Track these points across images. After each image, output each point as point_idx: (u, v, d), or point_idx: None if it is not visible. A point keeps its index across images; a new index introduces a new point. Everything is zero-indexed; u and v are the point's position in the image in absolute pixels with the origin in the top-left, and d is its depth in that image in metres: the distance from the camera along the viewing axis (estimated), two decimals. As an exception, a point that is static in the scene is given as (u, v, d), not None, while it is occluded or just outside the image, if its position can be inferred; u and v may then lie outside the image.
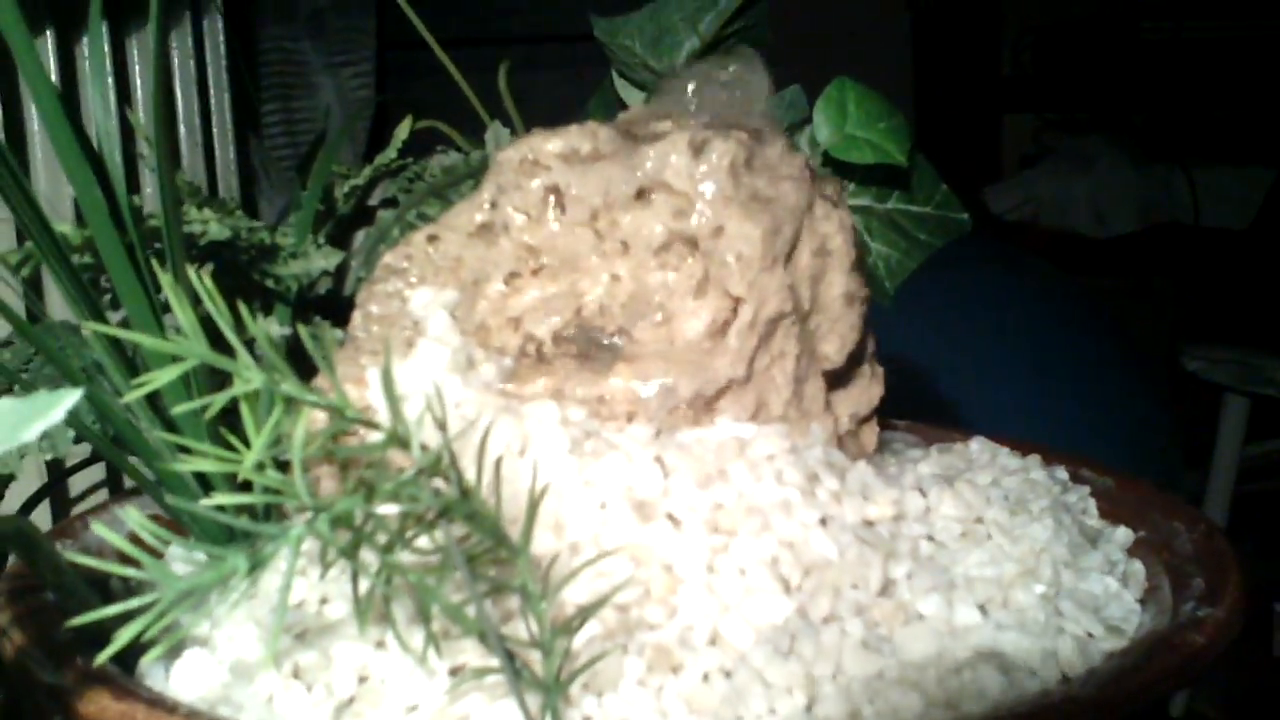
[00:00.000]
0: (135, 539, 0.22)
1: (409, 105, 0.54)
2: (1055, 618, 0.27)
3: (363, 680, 0.26)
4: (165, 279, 0.23)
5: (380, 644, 0.26)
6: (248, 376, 0.23)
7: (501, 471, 0.28)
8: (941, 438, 0.44)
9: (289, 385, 0.23)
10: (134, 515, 0.21)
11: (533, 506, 0.23)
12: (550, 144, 0.34)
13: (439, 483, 0.23)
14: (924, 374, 1.54)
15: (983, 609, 0.27)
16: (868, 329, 0.37)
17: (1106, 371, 1.59)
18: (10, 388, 0.37)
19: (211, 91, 0.94)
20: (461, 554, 0.23)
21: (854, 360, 0.36)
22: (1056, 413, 1.57)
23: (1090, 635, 0.26)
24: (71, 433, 0.32)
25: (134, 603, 0.21)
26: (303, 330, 0.24)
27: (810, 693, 0.24)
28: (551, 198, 0.33)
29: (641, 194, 0.33)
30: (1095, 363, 1.59)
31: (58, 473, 0.58)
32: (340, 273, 0.44)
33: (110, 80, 0.29)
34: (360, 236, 0.45)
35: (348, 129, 0.46)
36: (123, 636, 0.21)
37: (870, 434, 0.38)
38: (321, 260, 0.36)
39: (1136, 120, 2.14)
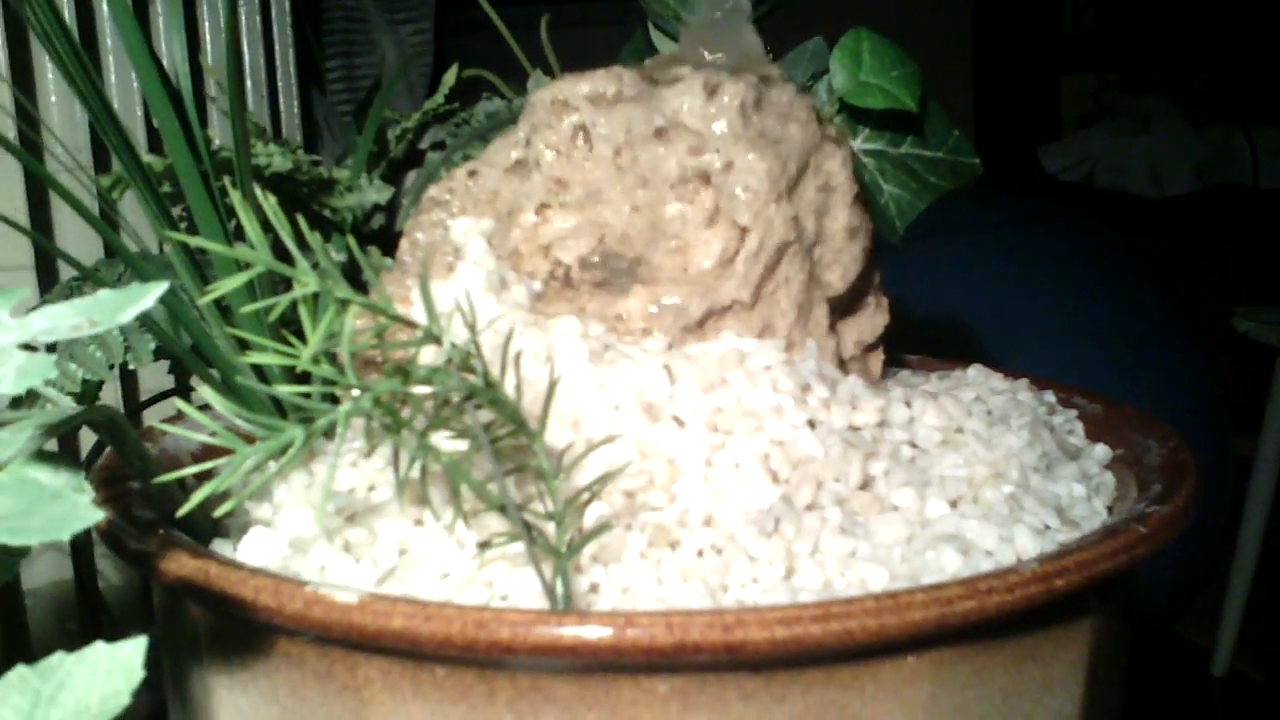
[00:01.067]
0: (211, 417, 0.26)
1: (465, 58, 0.57)
2: (1018, 511, 0.30)
3: (402, 553, 0.29)
4: (236, 197, 0.27)
5: (418, 522, 0.30)
6: (305, 281, 0.27)
7: (525, 374, 0.31)
8: (950, 366, 0.47)
9: (341, 289, 0.27)
10: (211, 394, 0.25)
11: (549, 394, 0.27)
12: (579, 86, 0.37)
13: (468, 376, 0.27)
14: (971, 332, 1.56)
15: (953, 504, 0.30)
16: (873, 262, 0.40)
17: (1156, 333, 1.60)
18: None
19: (277, 48, 0.98)
20: (486, 435, 0.27)
21: (860, 290, 0.40)
22: (1105, 374, 1.58)
23: (1047, 527, 0.30)
24: (153, 344, 0.37)
25: (208, 465, 0.25)
26: (353, 244, 0.28)
27: (789, 565, 0.27)
28: (579, 135, 0.37)
29: (660, 132, 0.36)
30: (1145, 324, 1.60)
31: (132, 406, 0.62)
32: (392, 209, 0.48)
33: (183, 30, 0.32)
34: (411, 177, 0.49)
35: (400, 75, 0.50)
36: (198, 494, 0.25)
37: (876, 360, 0.41)
38: (374, 194, 0.39)
39: (1197, 80, 2.12)
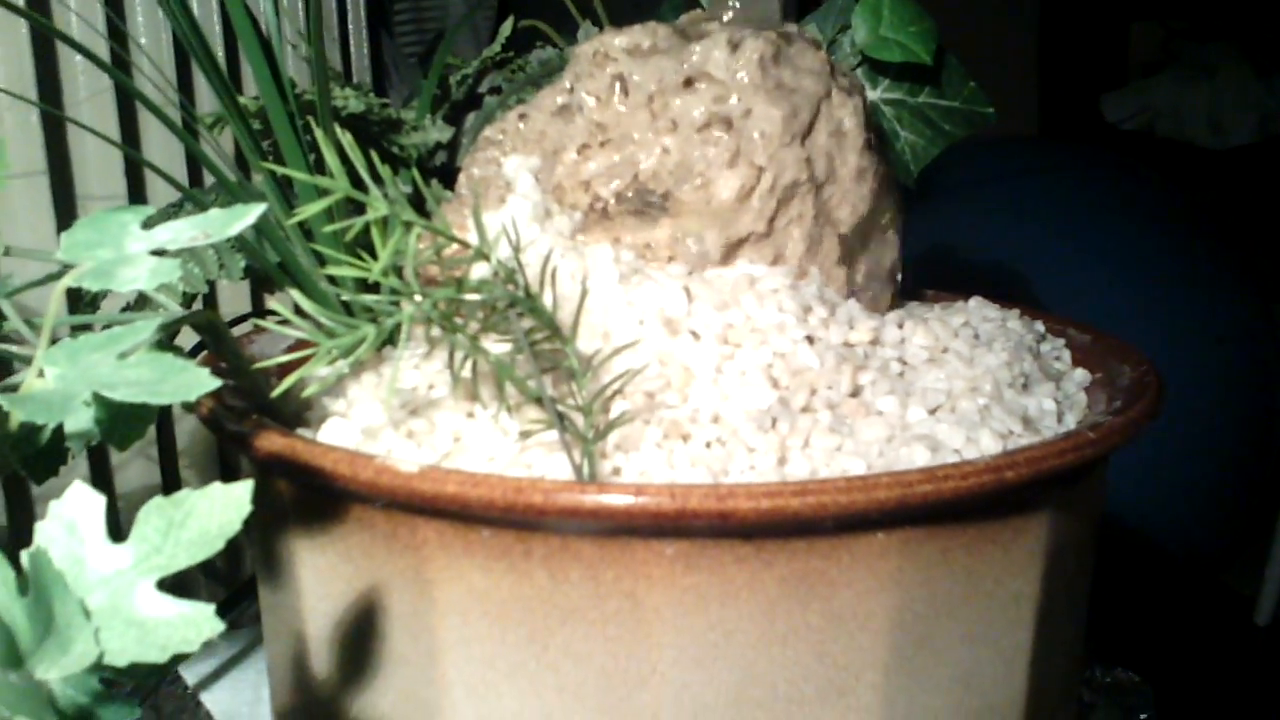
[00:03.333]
0: (299, 312, 0.31)
1: (524, 7, 0.62)
2: (987, 419, 0.34)
3: (456, 440, 0.35)
4: (319, 133, 0.32)
5: (470, 415, 0.35)
6: (377, 206, 0.32)
7: (562, 291, 0.36)
8: (954, 301, 0.51)
9: (406, 213, 0.32)
10: (297, 296, 0.30)
11: (580, 305, 0.32)
12: (618, 39, 0.42)
13: (511, 288, 0.32)
14: (1024, 278, 1.59)
15: (931, 411, 0.35)
16: (886, 201, 0.44)
17: (1210, 283, 1.61)
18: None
19: (348, -7, 1.02)
20: (525, 339, 0.31)
21: (870, 227, 0.44)
22: (1158, 322, 1.60)
23: (1011, 432, 0.34)
24: (243, 262, 0.42)
25: (296, 355, 0.30)
26: (417, 177, 0.32)
27: (781, 456, 0.32)
28: (617, 84, 0.41)
29: (689, 82, 0.40)
30: (1199, 274, 1.61)
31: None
32: (453, 147, 0.53)
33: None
34: (470, 118, 0.53)
35: (464, 23, 0.54)
36: (288, 380, 0.30)
37: (886, 290, 0.46)
38: (436, 134, 0.44)
39: (1265, 29, 2.09)
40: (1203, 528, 1.65)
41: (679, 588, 0.30)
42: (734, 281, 0.37)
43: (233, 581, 0.67)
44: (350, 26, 1.07)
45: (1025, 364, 0.39)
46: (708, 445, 0.33)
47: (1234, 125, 1.92)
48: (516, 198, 0.40)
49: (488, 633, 0.32)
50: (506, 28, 0.51)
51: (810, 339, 0.36)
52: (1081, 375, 0.41)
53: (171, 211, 0.45)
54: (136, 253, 0.27)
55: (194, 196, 0.39)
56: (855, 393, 0.35)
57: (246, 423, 0.34)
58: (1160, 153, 1.95)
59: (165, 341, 0.30)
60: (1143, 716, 0.44)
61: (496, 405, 0.33)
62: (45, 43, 0.56)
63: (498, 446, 0.34)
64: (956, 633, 0.33)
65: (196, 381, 0.24)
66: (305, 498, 0.34)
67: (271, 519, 0.37)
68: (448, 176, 0.50)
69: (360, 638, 0.34)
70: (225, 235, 0.27)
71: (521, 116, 0.43)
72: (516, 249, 0.31)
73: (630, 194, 0.41)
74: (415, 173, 0.32)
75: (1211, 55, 1.99)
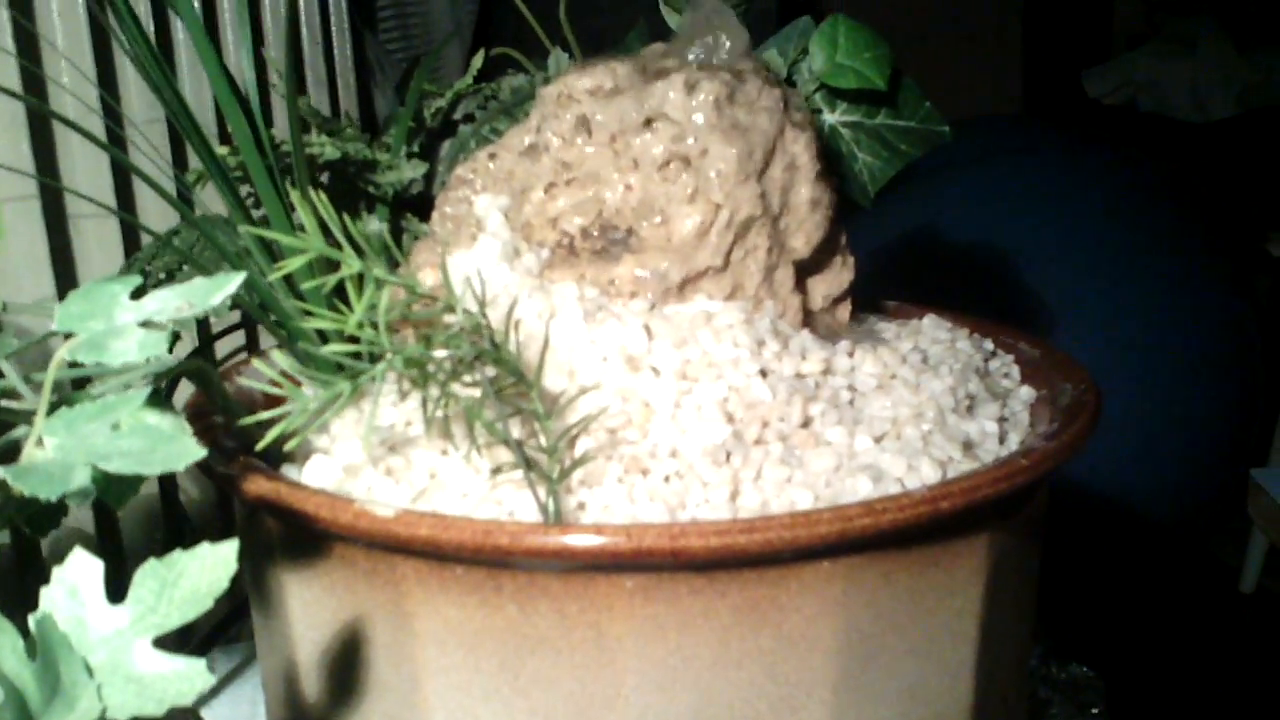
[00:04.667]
0: (282, 373, 0.33)
1: (505, 23, 0.63)
2: (929, 446, 0.37)
3: (432, 476, 0.37)
4: (295, 194, 0.34)
5: (444, 452, 0.37)
6: (351, 264, 0.34)
7: (531, 330, 0.39)
8: (920, 314, 0.53)
9: (379, 270, 0.34)
10: (279, 356, 0.32)
11: (543, 352, 0.34)
12: (581, 81, 0.43)
13: (479, 338, 0.34)
14: (1004, 259, 1.61)
15: (877, 439, 0.37)
16: (838, 227, 0.46)
17: (1187, 257, 1.63)
18: (181, 265, 0.48)
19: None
20: (492, 386, 0.34)
21: (826, 252, 0.46)
22: (1135, 298, 1.62)
23: (951, 458, 0.36)
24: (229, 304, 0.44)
25: (278, 411, 0.32)
26: (387, 233, 0.34)
27: (734, 489, 0.35)
28: (581, 124, 0.43)
29: (648, 122, 0.42)
30: (1176, 248, 1.63)
31: (206, 337, 0.70)
32: (429, 175, 0.55)
33: (249, 31, 0.38)
34: (445, 146, 0.55)
35: (436, 53, 0.56)
36: (271, 434, 0.32)
37: (843, 310, 0.48)
38: (410, 171, 0.46)
39: (1248, 2, 2.10)
40: (1187, 498, 1.67)
41: (639, 618, 0.33)
42: (692, 318, 0.39)
43: (233, 597, 0.69)
44: (333, 25, 1.09)
45: (971, 385, 0.42)
46: (666, 479, 0.35)
47: (1214, 99, 1.93)
48: (487, 237, 0.42)
49: (464, 661, 0.34)
50: (478, 60, 0.53)
51: (764, 372, 0.38)
52: (1027, 393, 0.43)
53: (155, 252, 0.47)
54: (126, 324, 0.29)
55: (167, 241, 0.41)
56: (806, 423, 0.37)
57: (234, 465, 0.37)
58: (1141, 127, 1.97)
59: (162, 391, 0.32)
60: (1094, 710, 0.47)
61: (467, 445, 0.35)
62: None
63: (471, 483, 0.36)
64: (902, 649, 0.35)
65: (185, 451, 0.26)
66: (291, 534, 0.37)
67: (261, 552, 0.39)
68: (425, 203, 0.52)
69: (346, 665, 0.36)
70: (208, 305, 0.30)
71: (491, 156, 0.45)
72: (482, 303, 0.33)
73: (595, 230, 0.43)
74: (383, 217, 0.34)
75: (1192, 28, 2.00)
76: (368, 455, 0.38)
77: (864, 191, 0.51)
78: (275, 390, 0.32)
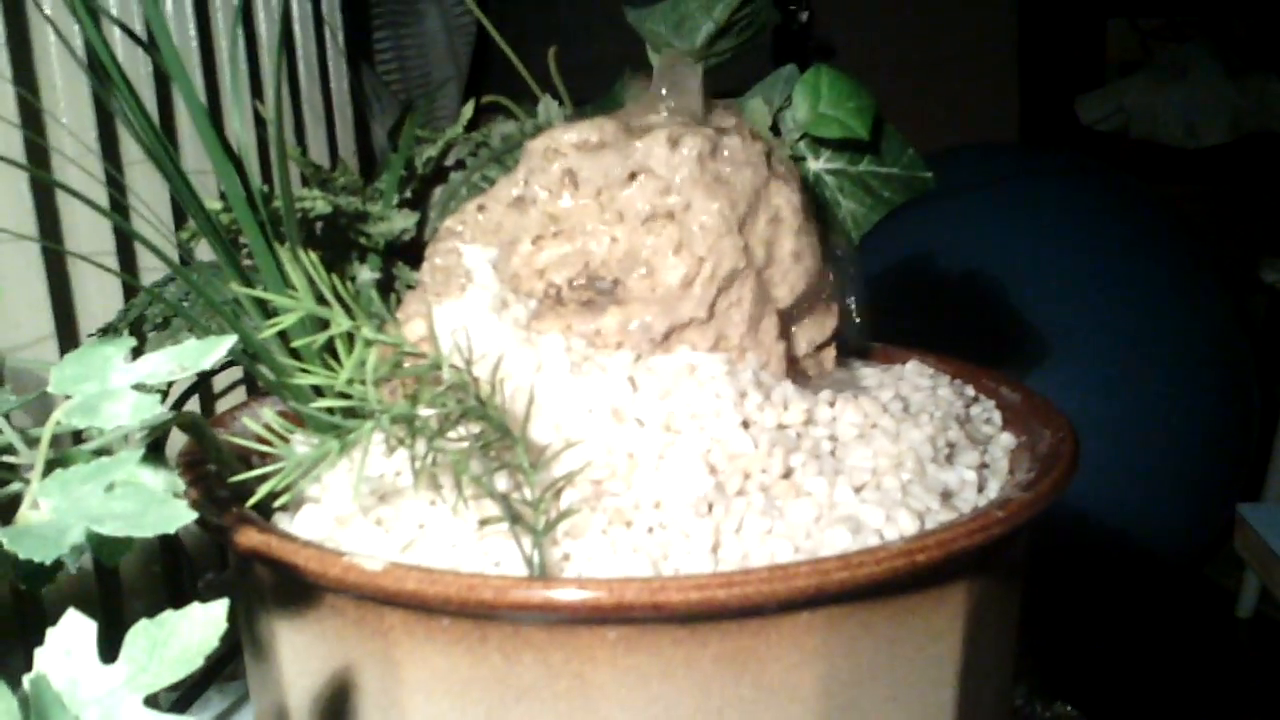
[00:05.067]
0: (269, 429, 0.34)
1: (507, 30, 0.64)
2: (907, 497, 0.37)
3: (421, 527, 0.38)
4: (285, 255, 0.35)
5: (433, 502, 0.38)
6: (340, 322, 0.35)
7: (519, 382, 0.39)
8: (906, 358, 0.54)
9: (367, 329, 0.35)
10: (269, 414, 0.33)
11: (528, 410, 0.35)
12: (567, 136, 0.44)
13: (465, 395, 0.35)
14: (998, 285, 1.62)
15: (857, 490, 0.38)
16: (824, 274, 0.47)
17: (1181, 284, 1.64)
18: (172, 316, 0.49)
19: (326, 22, 1.06)
20: (478, 442, 0.34)
21: (811, 300, 0.47)
22: (1128, 324, 1.63)
23: (929, 509, 0.37)
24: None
25: (269, 469, 0.33)
26: (403, 273, 0.35)
27: (716, 540, 0.35)
28: (567, 178, 0.44)
29: (633, 176, 0.43)
30: (1169, 274, 1.64)
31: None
32: (421, 221, 0.56)
33: (248, 95, 0.39)
34: (437, 193, 0.56)
35: (429, 100, 0.57)
36: (261, 491, 0.33)
37: (828, 356, 0.49)
38: (401, 222, 0.47)
39: (1238, 28, 2.12)
40: (1183, 523, 1.68)
41: (621, 668, 0.33)
42: (676, 370, 0.40)
43: (230, 635, 0.69)
44: (329, 59, 1.10)
45: (951, 432, 0.42)
46: (649, 531, 0.36)
47: (1207, 126, 1.95)
48: (475, 288, 0.43)
49: (450, 709, 0.35)
50: (468, 110, 0.54)
51: (746, 423, 0.39)
52: (1007, 439, 0.44)
53: (151, 297, 0.48)
54: (119, 387, 0.30)
55: (167, 301, 0.42)
56: (787, 474, 0.38)
57: (226, 517, 0.37)
58: (1134, 154, 1.98)
59: (162, 445, 0.33)
60: (1077, 750, 0.47)
61: (455, 497, 0.36)
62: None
63: (459, 533, 0.37)
64: (881, 695, 0.36)
65: (174, 514, 0.27)
66: (283, 584, 0.37)
67: (253, 597, 0.40)
68: (416, 249, 0.53)
69: (336, 711, 0.37)
70: (199, 368, 0.30)
71: (480, 207, 0.46)
72: (469, 361, 0.34)
73: (582, 281, 0.44)
74: (379, 261, 0.35)
75: (1185, 55, 2.02)
76: (357, 506, 0.38)
77: (848, 238, 0.52)
78: (265, 448, 0.33)
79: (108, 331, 0.52)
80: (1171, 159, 1.98)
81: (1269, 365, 1.70)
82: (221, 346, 0.31)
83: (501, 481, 0.36)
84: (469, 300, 0.43)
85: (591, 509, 0.36)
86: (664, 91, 0.46)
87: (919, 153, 0.54)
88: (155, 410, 0.29)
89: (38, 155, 0.62)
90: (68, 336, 0.66)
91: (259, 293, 0.33)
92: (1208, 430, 1.62)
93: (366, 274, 0.48)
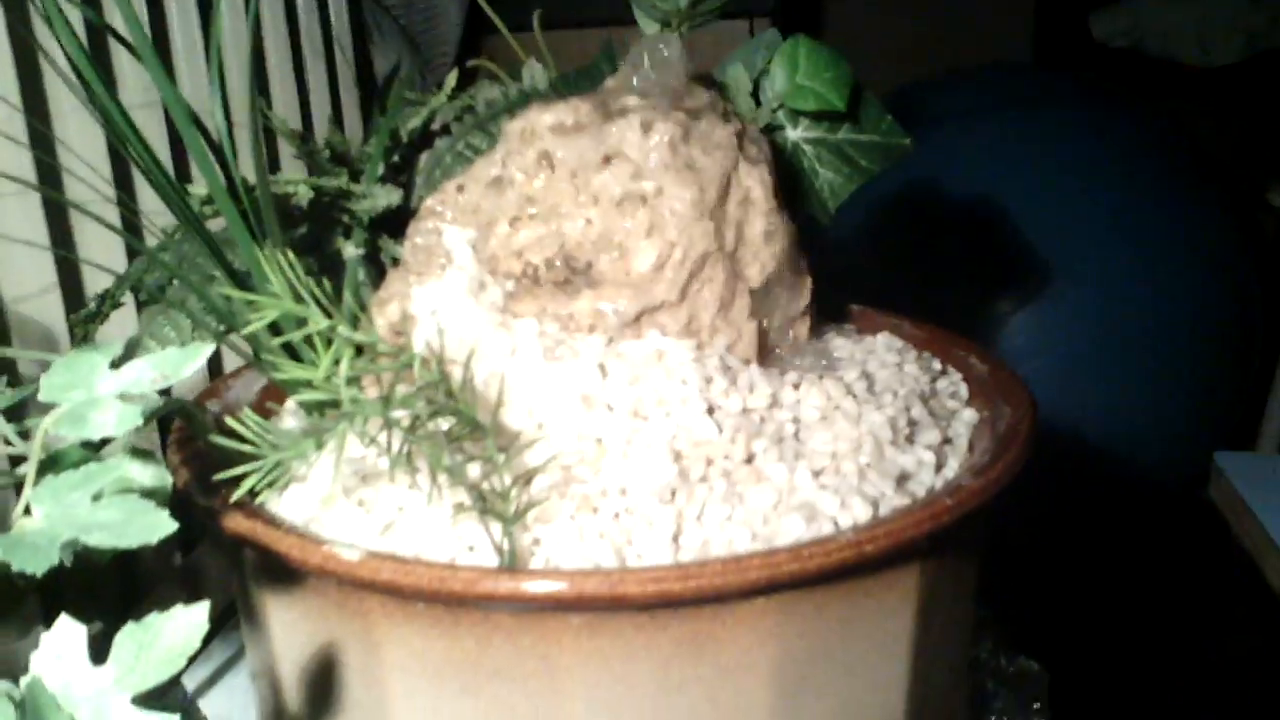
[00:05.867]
0: (251, 424, 0.35)
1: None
2: (863, 482, 0.39)
3: (400, 510, 0.39)
4: (262, 257, 0.36)
5: (412, 485, 0.40)
6: (317, 321, 0.36)
7: (492, 368, 0.41)
8: (881, 325, 0.55)
9: (342, 328, 0.36)
10: (248, 417, 0.35)
11: (498, 402, 0.36)
12: (544, 117, 0.45)
13: (435, 392, 0.36)
14: (1007, 212, 1.61)
15: (816, 474, 0.39)
16: (797, 250, 0.48)
17: (1189, 210, 1.63)
18: (171, 280, 0.51)
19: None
20: (448, 436, 0.36)
21: (782, 276, 0.48)
22: (1140, 242, 1.63)
23: (883, 494, 0.39)
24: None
25: (248, 468, 0.34)
26: (388, 245, 0.37)
27: (678, 527, 0.37)
28: (543, 160, 0.45)
29: (607, 160, 0.44)
30: (1178, 201, 1.63)
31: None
32: (408, 188, 0.57)
33: (220, 93, 0.40)
34: (424, 158, 0.57)
35: (410, 75, 0.57)
36: (242, 488, 0.35)
37: (802, 328, 0.50)
38: (385, 198, 0.48)
39: (1258, -62, 2.07)
40: (1186, 445, 1.70)
41: (585, 650, 0.35)
42: (645, 356, 0.42)
43: (228, 588, 0.72)
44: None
45: (915, 410, 0.44)
46: (615, 517, 0.38)
47: (1221, 43, 1.91)
48: (454, 269, 0.45)
49: (428, 686, 0.37)
50: (451, 79, 0.55)
51: (711, 409, 0.40)
52: (970, 416, 0.45)
53: (148, 264, 0.49)
54: (105, 395, 0.32)
55: (165, 264, 0.43)
56: (749, 459, 0.39)
57: (215, 500, 0.39)
58: (1147, 72, 1.95)
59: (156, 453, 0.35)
60: (1035, 705, 0.50)
61: (430, 485, 0.38)
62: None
63: (436, 516, 0.39)
64: (834, 671, 0.38)
65: (157, 525, 0.29)
66: (269, 564, 0.39)
67: (244, 571, 0.42)
68: (403, 218, 0.54)
69: (322, 683, 0.39)
70: (180, 376, 0.32)
71: (459, 188, 0.47)
72: (440, 360, 0.36)
73: (558, 263, 0.45)
74: (364, 236, 0.36)
75: (1201, -32, 1.98)
76: (339, 488, 0.40)
77: (824, 209, 0.53)
78: (247, 447, 0.35)
79: (106, 298, 0.53)
80: (1184, 77, 1.95)
81: (1275, 289, 1.69)
82: (201, 355, 0.33)
83: (474, 470, 0.38)
84: (447, 282, 0.44)
85: (560, 495, 0.38)
86: (643, 67, 0.47)
87: (896, 119, 0.55)
88: (139, 420, 0.31)
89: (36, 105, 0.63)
90: (71, 290, 0.67)
91: (241, 293, 0.35)
92: (1209, 350, 1.62)
93: (352, 250, 0.49)
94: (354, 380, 0.36)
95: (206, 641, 0.57)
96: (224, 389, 0.50)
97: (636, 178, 0.44)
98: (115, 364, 0.33)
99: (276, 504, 0.41)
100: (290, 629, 0.40)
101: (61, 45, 0.38)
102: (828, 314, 0.54)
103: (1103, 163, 1.60)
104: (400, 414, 0.35)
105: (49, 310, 0.65)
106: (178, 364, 0.32)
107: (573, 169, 0.45)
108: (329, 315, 0.36)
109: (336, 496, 0.40)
